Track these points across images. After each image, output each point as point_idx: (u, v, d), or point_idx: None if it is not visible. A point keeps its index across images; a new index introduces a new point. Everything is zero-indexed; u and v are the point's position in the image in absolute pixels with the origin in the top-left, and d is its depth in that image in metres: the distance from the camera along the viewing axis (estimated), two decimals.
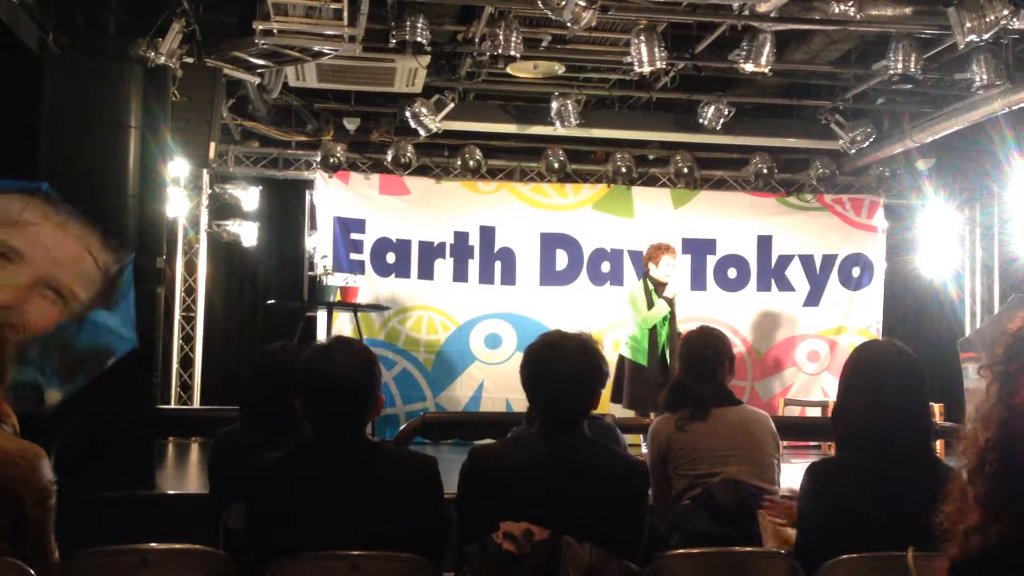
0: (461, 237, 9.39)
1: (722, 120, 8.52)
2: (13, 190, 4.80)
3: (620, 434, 3.72)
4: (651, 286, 7.25)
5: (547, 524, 2.47)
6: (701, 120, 8.58)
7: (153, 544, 2.61)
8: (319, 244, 9.13)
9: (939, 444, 6.29)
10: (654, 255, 7.37)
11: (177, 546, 2.64)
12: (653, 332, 7.15)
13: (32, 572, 2.50)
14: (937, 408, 8.08)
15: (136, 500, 5.55)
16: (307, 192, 9.56)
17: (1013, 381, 1.39)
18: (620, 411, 6.84)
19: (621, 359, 7.32)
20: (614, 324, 9.19)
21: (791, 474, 3.74)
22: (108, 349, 4.78)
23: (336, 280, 8.47)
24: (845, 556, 2.54)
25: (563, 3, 5.95)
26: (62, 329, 4.51)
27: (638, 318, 7.25)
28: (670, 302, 7.19)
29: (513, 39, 6.73)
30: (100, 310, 4.77)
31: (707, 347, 3.73)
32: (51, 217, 4.81)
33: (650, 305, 7.17)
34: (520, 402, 2.83)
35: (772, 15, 6.47)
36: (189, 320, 9.36)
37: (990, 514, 1.37)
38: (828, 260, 9.83)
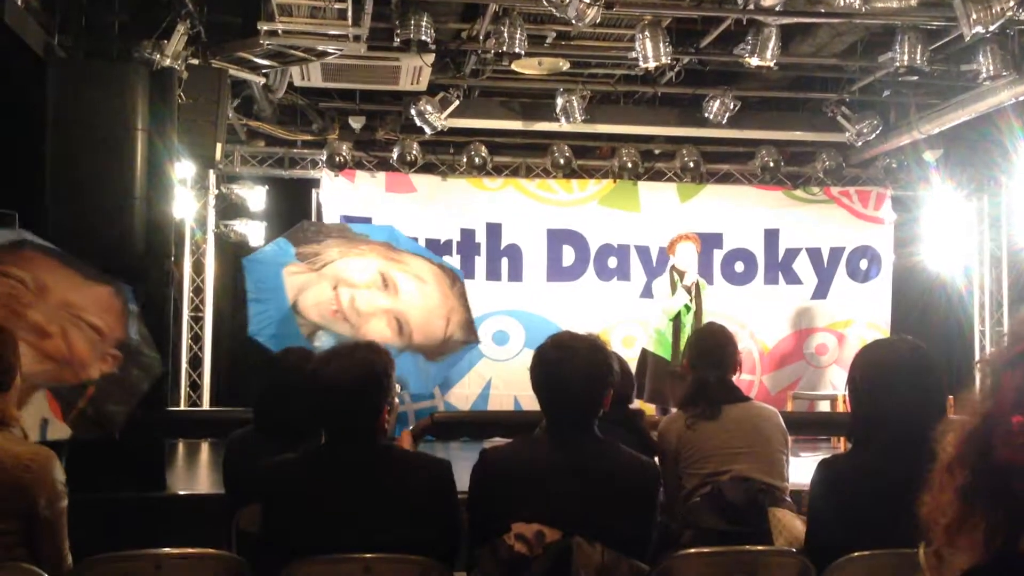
0: (467, 234, 9.39)
1: (728, 114, 8.50)
2: (436, 263, 6.40)
3: (642, 420, 3.74)
4: (675, 277, 7.18)
5: (558, 525, 2.47)
6: (707, 114, 8.56)
7: (167, 548, 2.61)
8: None
9: None
10: (671, 244, 7.34)
11: (191, 550, 2.65)
12: (677, 324, 7.05)
13: None
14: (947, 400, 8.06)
15: (148, 501, 5.57)
16: (313, 191, 9.57)
17: (1000, 378, 1.40)
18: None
19: (643, 352, 7.24)
20: (622, 320, 9.20)
21: (800, 467, 3.74)
22: (403, 380, 5.79)
23: None
24: (856, 553, 2.53)
25: (567, 0, 5.94)
26: None
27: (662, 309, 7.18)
28: (688, 290, 7.08)
29: (517, 36, 6.73)
30: (420, 355, 5.84)
31: (721, 342, 3.72)
32: (441, 286, 6.14)
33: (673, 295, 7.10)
34: (528, 399, 2.83)
35: (777, 9, 6.44)
36: (197, 320, 9.39)
37: (968, 508, 1.38)
38: (835, 253, 9.81)
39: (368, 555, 2.46)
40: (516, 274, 9.44)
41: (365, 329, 5.75)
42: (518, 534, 2.46)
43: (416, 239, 9.20)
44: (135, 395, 4.47)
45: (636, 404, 6.93)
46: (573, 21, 6.15)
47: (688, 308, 7.07)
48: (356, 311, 5.87)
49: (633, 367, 6.83)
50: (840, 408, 8.82)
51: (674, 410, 4.01)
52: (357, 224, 7.44)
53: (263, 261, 6.09)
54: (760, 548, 2.94)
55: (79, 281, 4.52)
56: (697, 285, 7.17)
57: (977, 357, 10.20)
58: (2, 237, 4.54)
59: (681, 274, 7.17)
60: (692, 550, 2.79)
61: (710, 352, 3.69)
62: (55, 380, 4.20)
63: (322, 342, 5.61)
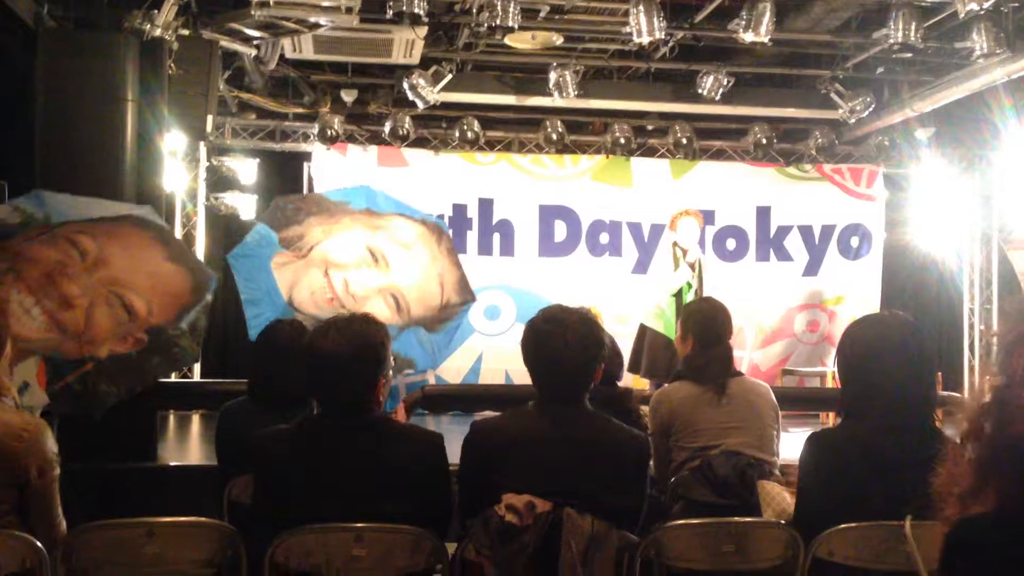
0: (459, 209, 9.37)
1: (721, 90, 8.47)
2: (418, 219, 6.06)
3: (632, 401, 3.74)
4: (678, 253, 7.08)
5: (549, 496, 2.49)
6: (700, 90, 8.53)
7: (159, 517, 2.63)
8: None
9: (939, 413, 6.31)
10: (673, 219, 7.23)
11: (183, 519, 2.67)
12: (679, 302, 6.90)
13: (40, 545, 2.53)
14: (936, 377, 8.10)
15: (138, 472, 5.59)
16: (305, 164, 9.54)
17: (1013, 352, 1.41)
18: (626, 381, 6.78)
19: (642, 327, 7.18)
20: (614, 296, 9.21)
21: (789, 443, 3.76)
22: (410, 360, 5.68)
23: None
24: (843, 525, 2.56)
25: None
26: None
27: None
28: (692, 267, 6.98)
29: (511, 10, 6.67)
30: (420, 328, 5.71)
31: (723, 317, 3.72)
32: (429, 246, 5.91)
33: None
34: (519, 374, 2.84)
35: None
36: None
37: (982, 479, 1.40)
38: (827, 230, 9.82)
39: (360, 525, 2.48)
40: (508, 249, 9.44)
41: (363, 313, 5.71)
42: (509, 505, 2.48)
43: None
44: (142, 381, 4.47)
45: (629, 380, 6.96)
46: None
47: (690, 285, 6.97)
48: (351, 296, 5.78)
49: (627, 343, 6.92)
50: (830, 384, 8.87)
51: (666, 384, 4.01)
52: (334, 191, 7.09)
53: (248, 255, 5.90)
54: (748, 520, 2.98)
55: (157, 261, 4.56)
56: (699, 262, 7.09)
57: (965, 335, 10.26)
58: (119, 209, 4.74)
59: (684, 251, 7.08)
60: (681, 521, 2.82)
61: (715, 327, 3.68)
62: (54, 349, 4.22)
63: None
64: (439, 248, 5.99)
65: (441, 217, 9.28)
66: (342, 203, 6.16)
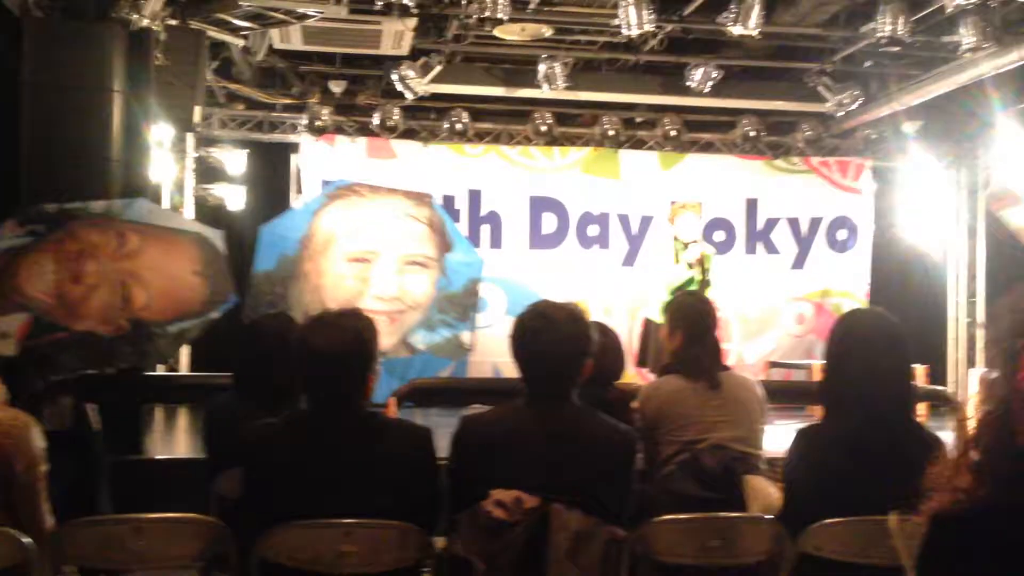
0: (448, 201, 9.36)
1: (710, 83, 8.49)
2: (325, 201, 5.70)
3: (627, 409, 3.73)
4: (679, 247, 6.91)
5: (537, 492, 2.49)
6: (689, 83, 8.54)
7: (147, 514, 2.62)
8: None
9: (924, 407, 6.35)
10: (671, 214, 7.10)
11: (170, 515, 2.66)
12: None
13: (26, 541, 2.52)
14: (922, 370, 8.14)
15: (124, 466, 5.56)
16: (292, 156, 9.51)
17: (1016, 359, 1.40)
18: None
19: (647, 322, 7.09)
20: (602, 288, 9.22)
21: (776, 436, 3.78)
22: (473, 279, 5.62)
23: None
24: (829, 520, 2.58)
25: None
26: (439, 287, 5.43)
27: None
28: (691, 266, 6.73)
29: (500, 1, 6.67)
30: (447, 255, 5.62)
31: (710, 311, 3.73)
32: (364, 206, 5.61)
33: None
34: (508, 367, 2.84)
35: None
36: None
37: (979, 480, 1.39)
38: (814, 223, 9.86)
39: (348, 520, 2.48)
40: (497, 241, 9.45)
41: (411, 293, 5.45)
42: (497, 500, 2.48)
43: None
44: (102, 363, 4.56)
45: (632, 374, 6.89)
46: None
47: (691, 280, 6.71)
48: (397, 300, 5.49)
49: (626, 336, 6.83)
50: (816, 377, 8.90)
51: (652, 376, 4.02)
52: (263, 253, 6.13)
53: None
54: (735, 515, 2.99)
55: (183, 269, 4.69)
56: (703, 255, 6.79)
57: (951, 328, 10.31)
58: (192, 226, 5.03)
59: (685, 244, 6.88)
60: (668, 517, 2.83)
61: (703, 320, 3.68)
62: (45, 312, 4.39)
63: (417, 342, 5.48)
64: (365, 198, 5.67)
65: None
66: (285, 253, 5.68)
